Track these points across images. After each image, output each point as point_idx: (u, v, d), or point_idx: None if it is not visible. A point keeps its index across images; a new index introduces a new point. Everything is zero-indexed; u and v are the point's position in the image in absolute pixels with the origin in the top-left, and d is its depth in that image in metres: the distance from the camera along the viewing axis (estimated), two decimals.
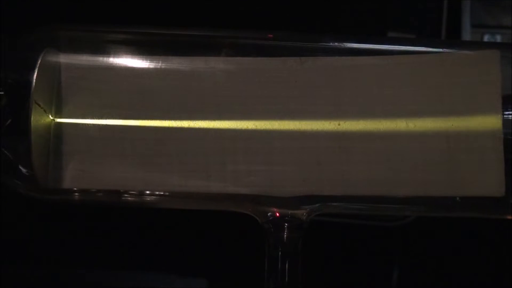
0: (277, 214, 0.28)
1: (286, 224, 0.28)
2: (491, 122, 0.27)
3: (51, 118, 0.27)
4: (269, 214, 0.28)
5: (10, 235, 0.40)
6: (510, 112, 0.27)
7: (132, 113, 0.27)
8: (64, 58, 0.27)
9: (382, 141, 0.27)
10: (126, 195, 0.28)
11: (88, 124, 0.27)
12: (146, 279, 0.40)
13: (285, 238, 0.28)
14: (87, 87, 0.27)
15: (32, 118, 0.26)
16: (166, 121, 0.27)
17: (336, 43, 0.28)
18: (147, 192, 0.28)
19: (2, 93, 0.27)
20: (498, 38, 0.41)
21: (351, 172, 0.27)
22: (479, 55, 0.27)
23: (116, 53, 0.27)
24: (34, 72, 0.26)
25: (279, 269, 0.27)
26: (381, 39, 0.36)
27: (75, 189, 0.27)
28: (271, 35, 0.29)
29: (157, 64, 0.27)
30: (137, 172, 0.27)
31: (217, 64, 0.27)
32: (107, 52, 0.27)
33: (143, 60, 0.28)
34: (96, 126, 0.27)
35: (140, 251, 0.41)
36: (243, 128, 0.27)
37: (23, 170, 0.27)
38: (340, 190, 0.27)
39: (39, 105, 0.26)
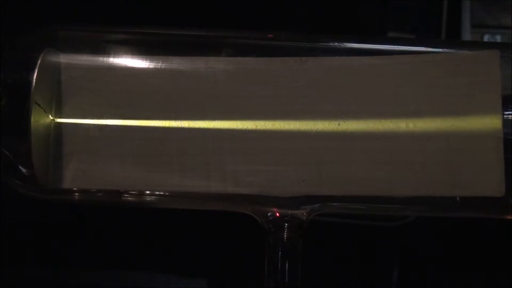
0: (277, 214, 0.28)
1: (286, 224, 0.28)
2: (491, 122, 0.27)
3: (51, 118, 0.27)
4: (269, 214, 0.28)
5: (10, 235, 0.40)
6: (510, 112, 0.27)
7: (132, 113, 0.27)
8: (64, 58, 0.27)
9: (382, 141, 0.27)
10: (126, 195, 0.28)
11: (88, 124, 0.27)
12: (146, 279, 0.40)
13: (285, 238, 0.28)
14: (87, 87, 0.27)
15: (32, 118, 0.26)
16: (166, 121, 0.27)
17: (336, 43, 0.28)
18: (147, 192, 0.28)
19: (2, 93, 0.27)
20: (498, 38, 0.41)
21: (351, 172, 0.27)
22: (479, 55, 0.27)
23: (116, 53, 0.27)
24: (34, 72, 0.26)
25: (279, 269, 0.27)
26: (381, 39, 0.36)
27: (75, 189, 0.27)
28: (271, 35, 0.29)
29: (157, 64, 0.27)
30: (137, 172, 0.27)
31: (217, 64, 0.27)
32: (107, 52, 0.27)
33: (143, 60, 0.28)
34: (96, 126, 0.27)
35: (140, 251, 0.41)
36: (243, 128, 0.27)
37: (23, 170, 0.27)
38: (340, 190, 0.27)
39: (39, 105, 0.26)
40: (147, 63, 0.27)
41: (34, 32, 0.28)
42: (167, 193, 0.28)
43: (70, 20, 0.29)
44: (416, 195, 0.27)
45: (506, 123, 0.27)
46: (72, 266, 0.40)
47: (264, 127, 0.27)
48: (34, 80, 0.26)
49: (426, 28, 0.40)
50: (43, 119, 0.27)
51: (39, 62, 0.27)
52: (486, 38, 0.40)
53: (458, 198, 0.27)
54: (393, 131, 0.27)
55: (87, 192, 0.28)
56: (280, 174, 0.27)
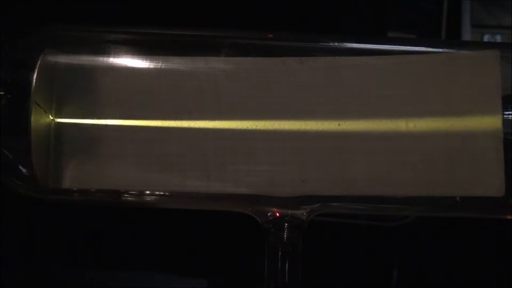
0: (277, 214, 0.28)
1: (286, 224, 0.28)
2: (491, 122, 0.27)
3: (51, 118, 0.27)
4: (269, 214, 0.28)
5: (10, 235, 0.40)
6: (510, 112, 0.27)
7: (132, 113, 0.27)
8: (64, 58, 0.27)
9: (382, 141, 0.27)
10: (126, 195, 0.28)
11: (88, 124, 0.27)
12: (146, 279, 0.40)
13: (285, 238, 0.28)
14: (87, 87, 0.27)
15: (32, 118, 0.26)
16: (166, 121, 0.27)
17: (336, 43, 0.28)
18: (147, 192, 0.28)
19: (2, 93, 0.27)
20: (498, 38, 0.41)
21: (351, 172, 0.27)
22: (479, 55, 0.27)
23: (116, 53, 0.27)
24: (34, 72, 0.26)
25: (279, 269, 0.27)
26: (381, 39, 0.36)
27: (75, 189, 0.27)
28: (271, 35, 0.29)
29: (157, 64, 0.27)
30: (137, 172, 0.27)
31: (217, 64, 0.27)
32: (107, 52, 0.27)
33: (143, 60, 0.28)
34: (96, 126, 0.27)
35: (140, 251, 0.41)
36: (243, 128, 0.27)
37: (23, 170, 0.27)
38: (340, 190, 0.27)
39: (39, 105, 0.26)
40: (147, 63, 0.27)
41: (34, 32, 0.28)
42: (167, 193, 0.28)
43: (70, 20, 0.29)
44: (416, 195, 0.27)
45: (506, 123, 0.27)
46: (72, 266, 0.40)
47: (264, 127, 0.27)
48: (34, 80, 0.26)
49: (426, 28, 0.40)
50: (43, 119, 0.27)
51: (39, 62, 0.27)
52: (486, 38, 0.41)
53: (458, 198, 0.27)
54: (393, 131, 0.27)
55: (87, 192, 0.28)
56: (280, 174, 0.27)
